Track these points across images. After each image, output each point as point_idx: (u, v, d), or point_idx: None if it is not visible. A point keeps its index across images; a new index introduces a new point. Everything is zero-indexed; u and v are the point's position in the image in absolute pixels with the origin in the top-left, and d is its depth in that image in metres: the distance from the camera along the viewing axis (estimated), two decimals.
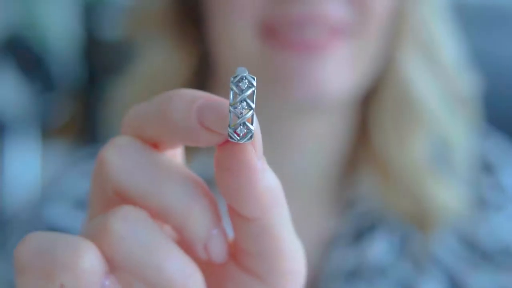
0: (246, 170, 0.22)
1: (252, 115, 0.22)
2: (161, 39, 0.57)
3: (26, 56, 1.70)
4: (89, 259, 0.22)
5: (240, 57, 0.51)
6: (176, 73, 0.56)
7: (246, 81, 0.22)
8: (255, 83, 0.22)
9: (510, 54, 0.86)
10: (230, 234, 0.25)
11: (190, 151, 0.33)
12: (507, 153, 0.60)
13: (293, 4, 0.48)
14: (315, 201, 0.56)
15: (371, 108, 0.56)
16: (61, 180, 0.58)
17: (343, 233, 0.55)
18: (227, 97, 0.22)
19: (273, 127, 0.54)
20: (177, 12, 0.56)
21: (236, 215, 0.24)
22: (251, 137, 0.22)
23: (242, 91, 0.22)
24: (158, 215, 0.24)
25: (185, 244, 0.24)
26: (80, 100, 1.72)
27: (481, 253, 0.55)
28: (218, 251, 0.24)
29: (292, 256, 0.25)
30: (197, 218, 0.24)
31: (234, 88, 0.22)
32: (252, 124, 0.22)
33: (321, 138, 0.55)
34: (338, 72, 0.49)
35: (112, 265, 0.23)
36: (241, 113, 0.22)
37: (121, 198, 0.24)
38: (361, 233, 0.54)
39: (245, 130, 0.22)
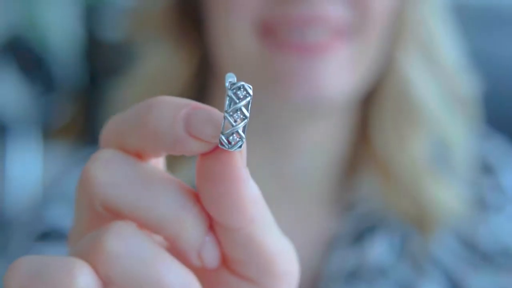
0: (232, 179, 0.22)
1: (246, 125, 0.22)
2: (161, 40, 0.57)
3: (26, 57, 1.70)
4: (84, 279, 0.21)
5: (239, 57, 0.50)
6: (177, 74, 0.56)
7: (244, 90, 0.22)
8: (251, 93, 0.22)
9: (510, 54, 0.86)
10: None
11: (172, 158, 0.32)
12: (507, 155, 0.60)
13: (293, 5, 0.48)
14: (315, 202, 0.56)
15: (371, 109, 0.56)
16: (62, 181, 0.58)
17: (344, 234, 0.55)
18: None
19: (272, 128, 0.54)
20: (178, 13, 0.56)
21: (219, 224, 0.24)
22: (241, 145, 0.22)
23: (239, 99, 0.22)
24: (150, 227, 0.23)
25: (175, 251, 0.24)
26: (81, 101, 1.72)
27: (481, 254, 0.55)
28: (211, 258, 0.24)
29: (283, 258, 0.24)
30: (191, 227, 0.23)
31: (232, 96, 0.22)
32: (244, 132, 0.22)
33: (321, 139, 0.55)
34: (339, 74, 0.49)
35: (107, 283, 0.22)
36: (236, 121, 0.22)
37: (110, 212, 0.24)
38: (362, 234, 0.54)
39: (237, 139, 0.22)
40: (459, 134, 0.57)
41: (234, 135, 0.22)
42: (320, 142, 0.56)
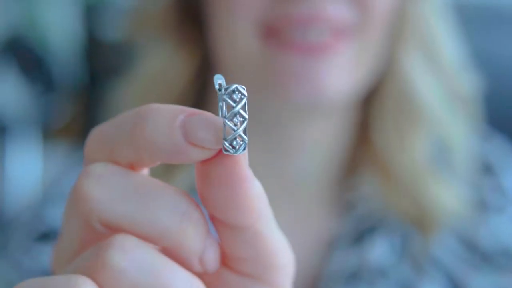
0: (239, 180, 0.22)
1: (246, 126, 0.22)
2: (162, 39, 0.57)
3: (26, 57, 1.70)
4: None
5: (240, 57, 0.50)
6: (178, 74, 0.56)
7: (238, 92, 0.22)
8: (246, 93, 0.22)
9: (510, 54, 0.86)
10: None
11: (168, 164, 0.32)
12: (508, 155, 0.60)
13: (294, 5, 0.48)
14: (315, 202, 0.56)
15: (372, 109, 0.56)
16: (62, 181, 0.58)
17: (344, 234, 0.55)
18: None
19: (272, 128, 0.54)
20: (178, 13, 0.56)
21: (223, 226, 0.23)
22: (244, 147, 0.22)
23: (235, 102, 0.22)
24: (152, 239, 0.23)
25: (172, 256, 0.23)
26: (81, 101, 1.72)
27: (481, 255, 0.54)
28: (213, 261, 0.24)
29: (282, 252, 0.25)
30: (192, 235, 0.23)
31: (228, 100, 0.22)
32: (245, 134, 0.22)
33: (322, 139, 0.55)
34: (340, 74, 0.49)
35: None
36: (236, 125, 0.21)
37: (109, 228, 0.23)
38: (362, 234, 0.54)
39: (241, 142, 0.21)
40: (460, 134, 0.56)
41: (237, 139, 0.21)
42: (321, 142, 0.55)
